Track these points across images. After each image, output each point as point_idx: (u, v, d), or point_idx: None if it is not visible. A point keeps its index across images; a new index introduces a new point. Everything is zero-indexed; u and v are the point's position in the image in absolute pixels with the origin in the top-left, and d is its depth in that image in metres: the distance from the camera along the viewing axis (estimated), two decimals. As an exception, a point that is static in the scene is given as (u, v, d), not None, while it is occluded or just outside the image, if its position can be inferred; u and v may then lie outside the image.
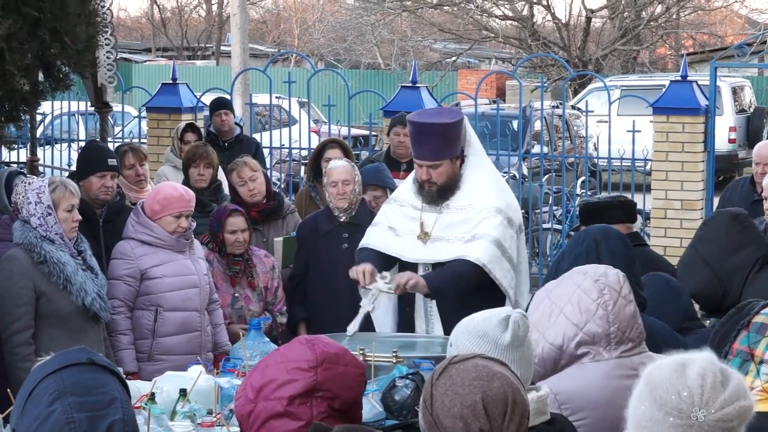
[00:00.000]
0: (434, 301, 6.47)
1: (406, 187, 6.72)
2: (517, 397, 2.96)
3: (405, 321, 6.63)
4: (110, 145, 10.60)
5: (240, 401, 3.13)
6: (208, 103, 11.64)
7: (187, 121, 10.50)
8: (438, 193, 6.45)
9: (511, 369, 3.06)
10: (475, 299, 6.09)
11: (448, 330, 6.29)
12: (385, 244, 6.63)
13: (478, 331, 3.45)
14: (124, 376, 5.97)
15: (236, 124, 11.19)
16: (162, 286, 6.74)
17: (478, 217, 6.41)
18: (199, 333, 6.83)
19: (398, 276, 6.41)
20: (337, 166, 7.60)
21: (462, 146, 6.49)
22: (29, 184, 6.31)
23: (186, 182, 8.18)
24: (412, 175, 6.71)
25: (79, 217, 6.36)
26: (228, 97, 11.90)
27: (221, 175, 8.64)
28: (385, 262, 6.63)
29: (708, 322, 6.21)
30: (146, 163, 8.42)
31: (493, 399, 2.92)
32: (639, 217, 12.35)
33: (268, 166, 11.61)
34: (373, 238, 6.69)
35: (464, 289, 6.30)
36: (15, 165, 12.95)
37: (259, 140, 11.90)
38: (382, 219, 6.73)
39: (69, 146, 14.26)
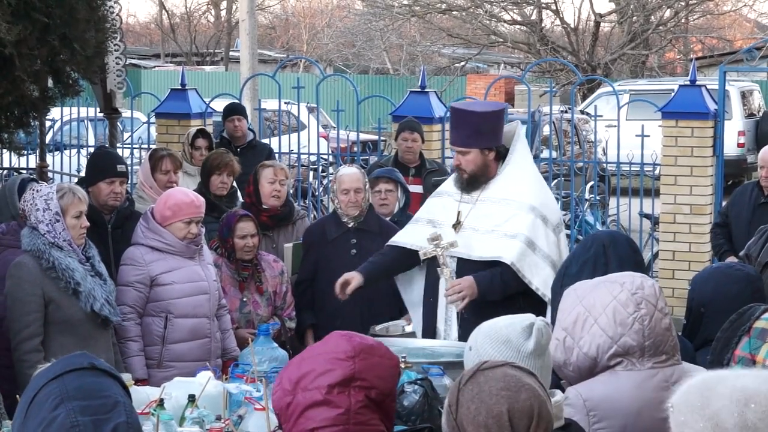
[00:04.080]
0: (453, 306, 6.46)
1: (449, 180, 6.80)
2: (543, 411, 2.94)
3: (426, 310, 6.62)
4: (119, 151, 10.62)
5: (277, 395, 3.17)
6: (217, 109, 11.65)
7: (198, 127, 10.51)
8: (468, 182, 6.50)
9: (539, 380, 3.02)
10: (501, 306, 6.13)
11: (464, 336, 6.31)
12: (414, 239, 6.66)
13: (501, 336, 3.44)
14: (134, 382, 6.02)
15: (249, 129, 11.18)
16: (172, 293, 6.73)
17: (510, 211, 6.42)
18: (208, 339, 6.83)
19: (454, 285, 6.37)
20: (348, 173, 7.57)
21: (503, 143, 6.53)
22: (37, 191, 6.31)
23: (204, 188, 8.21)
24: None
25: (87, 224, 6.35)
26: (238, 101, 11.91)
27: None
28: (409, 258, 6.68)
29: None
30: (180, 171, 8.38)
31: (519, 411, 2.90)
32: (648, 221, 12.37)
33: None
34: (406, 234, 6.76)
35: (507, 294, 6.36)
36: (24, 171, 12.97)
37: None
38: (423, 214, 6.79)
39: (78, 152, 14.27)
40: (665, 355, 3.84)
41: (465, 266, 6.44)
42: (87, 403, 2.84)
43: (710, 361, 4.25)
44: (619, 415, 3.74)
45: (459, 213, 6.49)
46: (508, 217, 6.41)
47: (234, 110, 11.09)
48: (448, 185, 6.72)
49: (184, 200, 6.82)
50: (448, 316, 6.49)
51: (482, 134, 6.44)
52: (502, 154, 6.52)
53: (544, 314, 6.44)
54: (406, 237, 6.76)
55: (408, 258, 6.70)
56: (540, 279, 6.35)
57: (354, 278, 6.67)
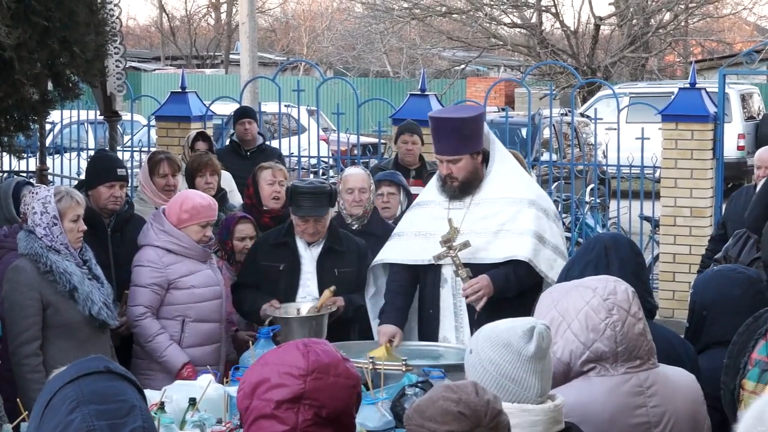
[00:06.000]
0: (465, 310, 6.42)
1: (430, 189, 6.70)
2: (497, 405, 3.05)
3: (427, 322, 6.55)
4: (119, 154, 10.62)
5: (240, 394, 3.20)
6: (216, 112, 11.63)
7: (198, 130, 10.51)
8: (460, 189, 6.45)
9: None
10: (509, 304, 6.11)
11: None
12: (409, 255, 6.55)
13: (502, 340, 3.42)
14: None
15: (259, 133, 11.17)
16: (191, 297, 6.68)
17: (512, 210, 6.41)
18: (219, 344, 6.83)
19: (472, 284, 6.30)
20: (354, 173, 7.58)
21: (484, 146, 6.50)
22: (35, 194, 6.28)
23: (191, 191, 8.19)
24: (435, 176, 6.72)
25: (85, 228, 6.33)
26: (238, 104, 11.89)
27: (230, 185, 8.62)
28: (414, 273, 6.60)
29: None
30: (179, 174, 8.35)
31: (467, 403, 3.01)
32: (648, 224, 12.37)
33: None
34: (396, 252, 6.62)
35: (520, 289, 6.35)
36: (24, 174, 12.97)
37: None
38: (407, 227, 6.66)
39: (78, 155, 14.27)
40: (639, 359, 3.84)
41: (475, 270, 6.38)
42: (103, 407, 2.83)
43: (726, 365, 4.23)
44: (592, 421, 3.72)
45: (450, 220, 6.40)
46: (511, 215, 6.40)
47: (244, 113, 11.07)
48: (431, 194, 6.63)
49: (201, 203, 6.80)
50: (458, 323, 6.44)
51: (469, 139, 6.41)
52: (485, 155, 6.53)
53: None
54: (398, 254, 6.61)
55: (413, 276, 6.63)
56: (555, 272, 6.34)
57: (396, 334, 6.41)
